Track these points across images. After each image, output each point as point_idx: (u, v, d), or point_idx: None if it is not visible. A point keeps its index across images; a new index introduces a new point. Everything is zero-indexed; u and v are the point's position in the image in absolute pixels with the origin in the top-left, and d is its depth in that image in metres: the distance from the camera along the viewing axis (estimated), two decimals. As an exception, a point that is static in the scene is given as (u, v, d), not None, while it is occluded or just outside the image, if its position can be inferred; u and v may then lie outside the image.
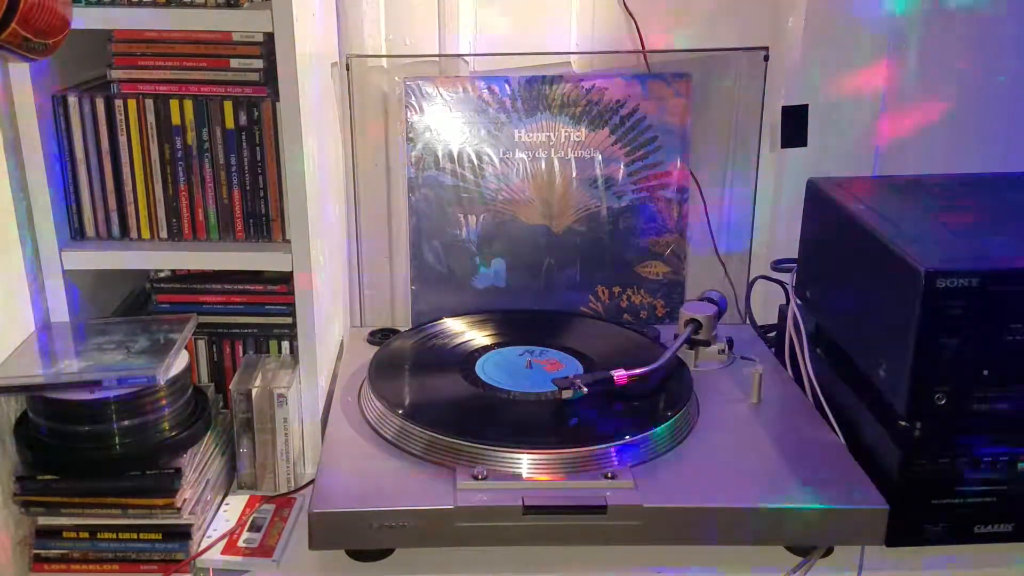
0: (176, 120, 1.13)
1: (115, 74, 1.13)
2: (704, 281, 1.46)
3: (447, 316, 1.37)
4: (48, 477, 1.05)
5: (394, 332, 1.37)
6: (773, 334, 1.43)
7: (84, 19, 1.04)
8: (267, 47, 1.11)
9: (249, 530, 1.11)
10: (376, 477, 1.04)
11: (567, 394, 1.11)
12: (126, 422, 1.05)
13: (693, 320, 1.30)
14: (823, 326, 1.25)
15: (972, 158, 1.48)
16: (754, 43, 1.42)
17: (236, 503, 1.16)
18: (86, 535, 1.06)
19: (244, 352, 1.26)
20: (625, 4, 1.42)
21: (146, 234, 1.17)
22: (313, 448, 1.19)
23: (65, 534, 1.06)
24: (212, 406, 1.16)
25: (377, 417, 1.13)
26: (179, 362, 1.09)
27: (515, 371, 1.21)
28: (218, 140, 1.14)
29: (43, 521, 1.06)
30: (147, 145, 1.14)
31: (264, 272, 1.22)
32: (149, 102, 1.13)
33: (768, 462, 1.07)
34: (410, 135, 1.40)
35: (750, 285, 1.48)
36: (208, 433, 1.14)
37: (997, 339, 0.99)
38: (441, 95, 1.39)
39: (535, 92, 1.40)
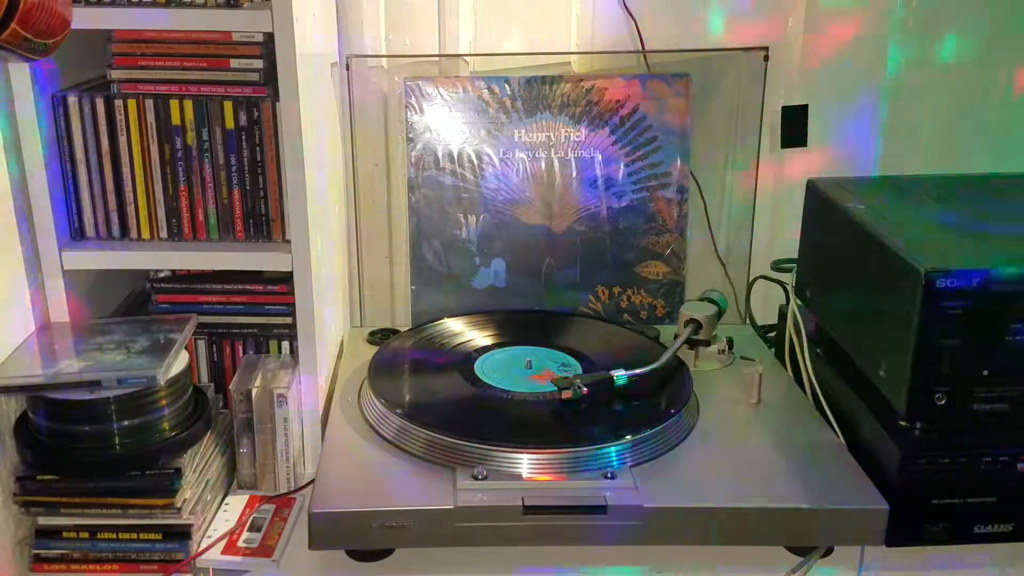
0: (176, 120, 1.13)
1: (115, 74, 1.13)
2: (704, 281, 1.46)
3: (447, 316, 1.37)
4: (48, 477, 1.05)
5: (394, 332, 1.37)
6: (773, 334, 1.43)
7: (84, 19, 1.04)
8: (267, 47, 1.11)
9: (249, 530, 1.11)
10: (376, 477, 1.04)
11: (567, 394, 1.11)
12: (126, 422, 1.05)
13: (693, 320, 1.30)
14: (823, 326, 1.25)
15: (972, 158, 1.48)
16: (754, 43, 1.42)
17: (236, 503, 1.16)
18: (86, 535, 1.06)
19: (244, 352, 1.26)
20: (625, 4, 1.42)
21: (146, 234, 1.17)
22: (313, 448, 1.19)
23: (65, 534, 1.06)
24: (212, 406, 1.16)
25: (377, 417, 1.13)
26: (179, 362, 1.09)
27: (515, 371, 1.21)
28: (218, 140, 1.14)
29: (43, 521, 1.06)
30: (147, 145, 1.14)
31: (264, 272, 1.22)
32: (149, 102, 1.13)
33: (768, 462, 1.07)
34: (410, 135, 1.40)
35: (750, 285, 1.48)
36: (208, 433, 1.14)
37: (997, 339, 0.99)
38: (441, 95, 1.39)
39: (535, 92, 1.40)
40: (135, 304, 1.32)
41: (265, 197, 1.16)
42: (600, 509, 0.98)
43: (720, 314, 1.33)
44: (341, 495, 1.01)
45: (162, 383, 1.04)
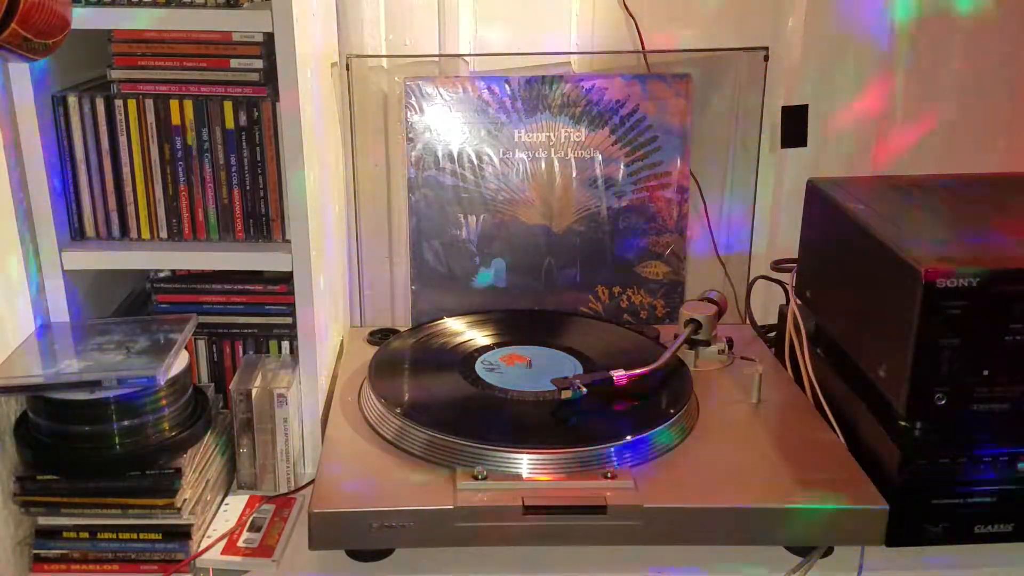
0: (176, 120, 1.13)
1: (115, 74, 1.13)
2: (704, 281, 1.46)
3: (447, 316, 1.37)
4: (48, 477, 1.05)
5: (394, 332, 1.37)
6: (773, 334, 1.43)
7: (84, 19, 1.04)
8: (267, 47, 1.11)
9: (249, 530, 1.11)
10: (376, 477, 1.04)
11: (567, 394, 1.11)
12: (126, 422, 1.05)
13: (693, 320, 1.30)
14: (823, 326, 1.25)
15: (972, 158, 1.48)
16: (754, 43, 1.42)
17: (236, 503, 1.16)
18: (86, 535, 1.06)
19: (244, 352, 1.26)
20: (625, 4, 1.42)
21: (146, 234, 1.17)
22: (313, 448, 1.19)
23: (65, 534, 1.06)
24: (212, 406, 1.16)
25: (377, 417, 1.13)
26: (179, 362, 1.09)
27: (515, 371, 1.21)
28: (218, 140, 1.14)
29: (43, 521, 1.06)
30: (147, 145, 1.14)
31: (264, 272, 1.22)
32: (149, 102, 1.13)
33: (768, 462, 1.07)
34: (410, 135, 1.40)
35: (750, 285, 1.48)
36: (208, 433, 1.14)
37: (997, 339, 0.99)
38: (441, 95, 1.39)
39: (535, 92, 1.40)
40: (135, 304, 1.32)
41: (265, 197, 1.16)
42: (600, 509, 0.98)
43: (720, 314, 1.33)
44: (341, 495, 1.01)
45: (162, 383, 1.04)
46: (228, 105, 1.13)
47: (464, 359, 1.24)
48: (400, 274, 1.49)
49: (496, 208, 1.42)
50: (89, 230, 1.17)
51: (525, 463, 1.03)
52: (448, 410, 1.13)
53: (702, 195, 1.48)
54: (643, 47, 1.43)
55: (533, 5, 1.43)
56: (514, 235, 1.43)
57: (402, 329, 1.38)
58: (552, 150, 1.41)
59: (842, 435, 1.12)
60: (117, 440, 1.05)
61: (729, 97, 1.47)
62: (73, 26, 0.96)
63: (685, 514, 1.00)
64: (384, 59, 1.42)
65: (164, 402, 1.07)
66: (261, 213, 1.17)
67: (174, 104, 1.13)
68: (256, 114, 1.13)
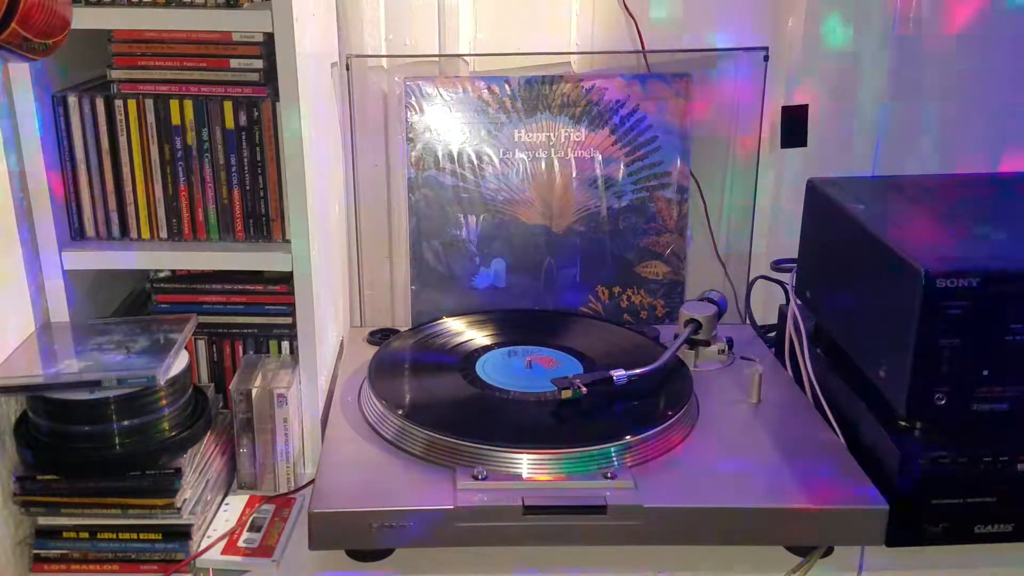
0: (176, 120, 1.13)
1: (115, 74, 1.13)
2: (704, 281, 1.46)
3: (447, 316, 1.37)
4: (48, 477, 1.05)
5: (394, 332, 1.37)
6: (773, 334, 1.43)
7: (84, 19, 1.04)
8: (267, 47, 1.11)
9: (249, 530, 1.11)
10: (376, 477, 1.04)
11: (567, 394, 1.11)
12: (126, 422, 1.05)
13: (693, 320, 1.30)
14: (823, 326, 1.26)
15: (972, 158, 1.48)
16: (754, 43, 1.42)
17: (236, 503, 1.16)
18: (86, 535, 1.06)
19: (244, 352, 1.26)
20: (625, 4, 1.42)
21: (146, 234, 1.17)
22: (313, 448, 1.19)
23: (65, 534, 1.06)
24: (212, 406, 1.16)
25: (377, 417, 1.13)
26: (179, 362, 1.09)
27: (515, 371, 1.21)
28: (218, 140, 1.14)
29: (43, 521, 1.06)
30: (147, 145, 1.14)
31: (264, 272, 1.22)
32: (149, 102, 1.13)
33: (768, 462, 1.07)
34: (410, 135, 1.40)
35: (750, 285, 1.48)
36: (208, 433, 1.14)
37: (997, 339, 0.99)
38: (441, 95, 1.39)
39: (535, 92, 1.40)
40: (135, 304, 1.32)
41: (265, 197, 1.16)
42: (600, 509, 0.98)
43: (720, 314, 1.33)
44: (341, 495, 1.01)
45: (162, 383, 1.04)
46: (228, 105, 1.13)
47: (464, 359, 1.24)
48: (400, 274, 1.49)
49: (496, 208, 1.42)
50: (89, 230, 1.17)
51: (525, 463, 1.03)
52: (448, 410, 1.13)
53: (702, 195, 1.48)
54: (643, 47, 1.43)
55: (533, 5, 1.43)
56: (514, 235, 1.43)
57: (402, 329, 1.38)
58: (552, 150, 1.41)
59: (842, 435, 1.12)
60: (117, 440, 1.05)
61: (729, 97, 1.47)
62: (73, 26, 0.96)
63: (685, 514, 1.00)
64: (384, 59, 1.42)
65: (164, 402, 1.07)
66: (261, 213, 1.17)
67: (174, 104, 1.13)
68: (256, 114, 1.13)
